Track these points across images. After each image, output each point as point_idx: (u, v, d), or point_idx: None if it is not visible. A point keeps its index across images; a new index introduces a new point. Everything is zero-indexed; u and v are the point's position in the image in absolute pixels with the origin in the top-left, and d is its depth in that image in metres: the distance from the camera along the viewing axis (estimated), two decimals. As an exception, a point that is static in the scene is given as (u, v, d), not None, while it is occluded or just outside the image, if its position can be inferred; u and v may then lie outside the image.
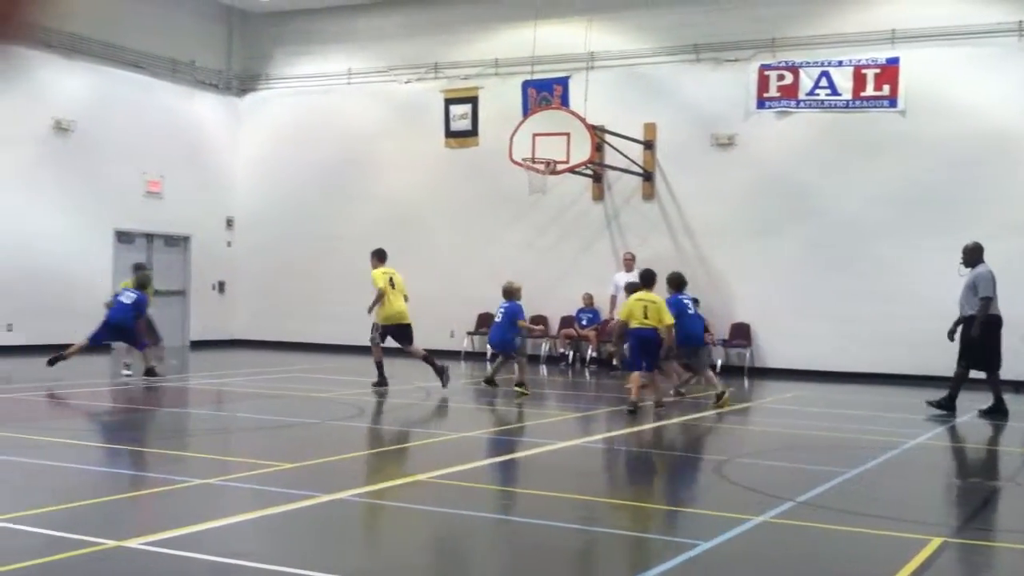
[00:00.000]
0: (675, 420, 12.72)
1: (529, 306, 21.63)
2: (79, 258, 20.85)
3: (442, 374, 15.22)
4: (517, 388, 14.85)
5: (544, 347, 21.58)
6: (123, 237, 22.38)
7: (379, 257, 16.04)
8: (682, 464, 10.20)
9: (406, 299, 15.81)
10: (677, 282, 14.27)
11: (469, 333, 22.09)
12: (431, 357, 15.54)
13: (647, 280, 13.47)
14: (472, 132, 22.29)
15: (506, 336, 15.28)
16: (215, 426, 12.29)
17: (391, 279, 15.56)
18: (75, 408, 13.72)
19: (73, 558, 5.50)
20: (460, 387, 16.17)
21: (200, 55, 24.12)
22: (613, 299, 19.04)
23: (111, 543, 5.76)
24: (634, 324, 12.96)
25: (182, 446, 10.46)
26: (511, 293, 15.42)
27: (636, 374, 13.07)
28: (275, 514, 6.70)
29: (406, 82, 23.23)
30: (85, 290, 20.08)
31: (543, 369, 20.49)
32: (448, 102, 22.50)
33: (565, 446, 10.34)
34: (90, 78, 21.67)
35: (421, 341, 16.50)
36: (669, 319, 12.96)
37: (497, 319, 15.39)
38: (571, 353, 21.10)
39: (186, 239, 23.67)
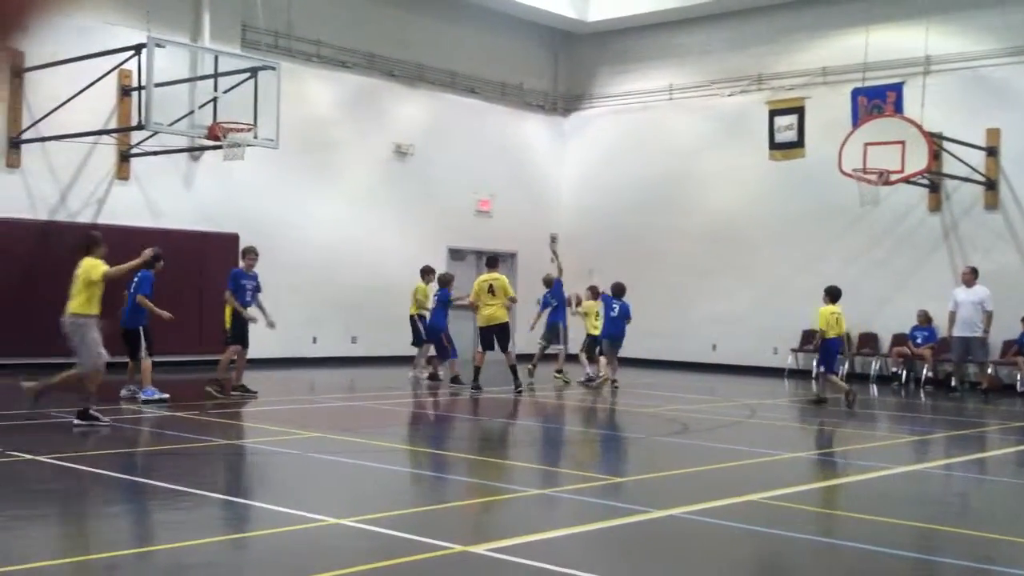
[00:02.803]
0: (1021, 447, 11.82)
1: (856, 321, 20.86)
2: (415, 274, 22.04)
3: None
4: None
5: (874, 365, 20.65)
6: (455, 254, 23.52)
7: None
8: (1036, 495, 9.43)
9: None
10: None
11: (793, 350, 21.48)
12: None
13: (835, 294, 15.38)
14: (798, 143, 21.71)
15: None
16: (544, 437, 12.63)
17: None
18: (409, 416, 14.52)
19: (423, 561, 5.80)
20: (786, 405, 15.77)
21: (528, 78, 24.98)
22: (952, 315, 17.92)
23: (457, 547, 6.03)
24: (831, 334, 15.05)
25: (514, 456, 10.82)
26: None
27: (833, 376, 15.34)
28: (610, 527, 6.78)
29: (728, 95, 23.00)
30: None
31: (873, 389, 19.60)
32: (773, 113, 22.04)
33: (901, 471, 9.84)
34: (428, 104, 22.97)
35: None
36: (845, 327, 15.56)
37: (613, 315, 17.42)
38: (904, 372, 20.05)
39: (513, 255, 24.51)
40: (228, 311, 14.34)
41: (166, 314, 13.30)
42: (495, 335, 16.11)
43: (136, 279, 13.39)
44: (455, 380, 16.97)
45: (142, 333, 13.43)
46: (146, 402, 13.06)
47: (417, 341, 17.82)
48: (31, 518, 6.84)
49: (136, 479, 8.33)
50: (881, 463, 10.20)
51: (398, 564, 5.69)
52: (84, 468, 8.49)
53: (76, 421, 10.73)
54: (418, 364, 18.03)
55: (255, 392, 14.49)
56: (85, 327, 10.79)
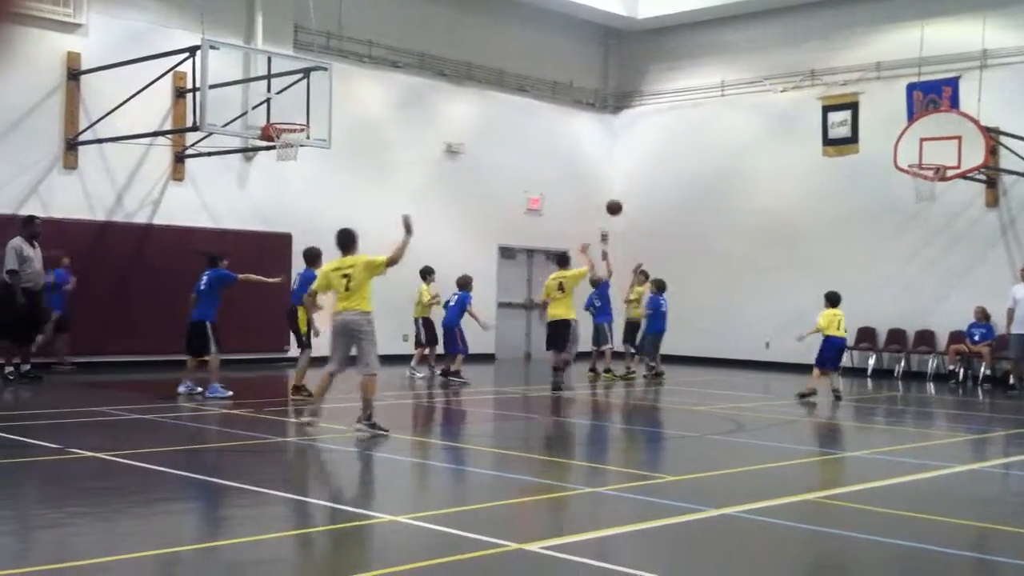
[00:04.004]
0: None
1: (913, 319, 20.64)
2: (466, 272, 22.07)
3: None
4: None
5: (931, 364, 20.38)
6: (506, 252, 23.54)
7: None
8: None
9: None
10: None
11: (848, 348, 21.22)
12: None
13: (834, 300, 16.06)
14: (852, 139, 21.49)
15: None
16: (597, 435, 12.62)
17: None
18: (460, 414, 14.56)
19: (479, 558, 5.82)
20: (842, 404, 15.61)
21: (578, 76, 24.94)
22: (1010, 312, 17.64)
23: (512, 545, 6.04)
24: (830, 333, 15.75)
25: (568, 454, 10.81)
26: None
27: (817, 371, 15.84)
28: (666, 526, 6.76)
29: (781, 91, 22.81)
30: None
31: (930, 387, 19.35)
32: (826, 109, 21.84)
33: (958, 470, 9.72)
34: (478, 103, 23.02)
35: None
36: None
37: (664, 310, 19.02)
38: (961, 370, 19.75)
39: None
40: (303, 314, 14.31)
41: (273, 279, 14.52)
42: (556, 332, 15.99)
43: (206, 277, 13.72)
44: (455, 375, 16.95)
45: (210, 328, 13.60)
46: (211, 399, 13.25)
47: (429, 341, 17.83)
48: (90, 515, 6.95)
49: (195, 476, 8.44)
50: (938, 462, 10.08)
51: (454, 561, 5.71)
52: (144, 465, 8.62)
53: (358, 426, 10.55)
54: (418, 362, 17.97)
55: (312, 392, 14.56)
56: (373, 324, 10.73)
